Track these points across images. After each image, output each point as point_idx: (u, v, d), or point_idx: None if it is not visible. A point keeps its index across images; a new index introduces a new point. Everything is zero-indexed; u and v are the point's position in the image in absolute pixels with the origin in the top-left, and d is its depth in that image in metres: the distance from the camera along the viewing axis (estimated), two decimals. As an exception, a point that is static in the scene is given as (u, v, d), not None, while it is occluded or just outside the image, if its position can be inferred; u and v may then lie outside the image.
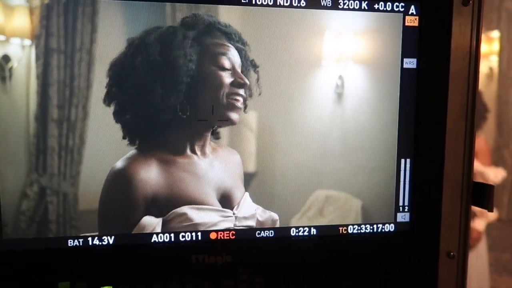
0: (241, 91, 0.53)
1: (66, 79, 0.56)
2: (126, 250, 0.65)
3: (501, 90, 4.08)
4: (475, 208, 2.30)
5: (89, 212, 0.60)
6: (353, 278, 0.71)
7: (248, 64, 0.54)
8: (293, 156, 0.63)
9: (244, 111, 0.55)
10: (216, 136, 0.57)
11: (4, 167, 0.57)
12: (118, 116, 0.55)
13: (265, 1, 0.66)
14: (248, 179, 0.63)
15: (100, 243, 0.65)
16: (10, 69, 0.56)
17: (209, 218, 0.55)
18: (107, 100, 0.54)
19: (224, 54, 0.51)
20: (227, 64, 0.52)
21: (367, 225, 0.72)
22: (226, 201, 0.57)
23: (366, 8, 0.68)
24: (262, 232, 0.69)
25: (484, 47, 4.04)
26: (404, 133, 0.71)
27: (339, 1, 0.67)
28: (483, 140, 2.12)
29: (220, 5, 0.58)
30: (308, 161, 0.63)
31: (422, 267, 0.72)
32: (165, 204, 0.53)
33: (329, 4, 0.67)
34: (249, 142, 0.62)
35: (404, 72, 0.70)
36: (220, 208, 0.55)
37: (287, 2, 0.66)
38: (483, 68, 4.14)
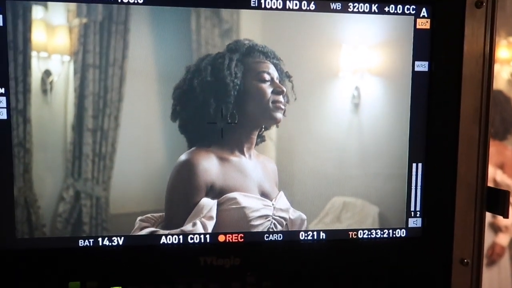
0: (281, 98, 0.64)
1: (100, 91, 0.63)
2: (135, 251, 0.66)
3: (525, 97, 3.97)
4: (500, 223, 2.21)
5: (119, 216, 0.65)
6: (362, 284, 0.70)
7: (284, 75, 0.64)
8: (311, 164, 0.67)
9: (283, 114, 0.64)
10: (262, 139, 0.66)
11: (43, 173, 0.63)
12: (182, 129, 0.63)
13: (274, 5, 0.66)
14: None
15: (110, 244, 0.65)
16: (51, 82, 0.62)
17: (253, 204, 0.64)
18: (173, 117, 0.63)
19: (263, 69, 0.63)
20: (267, 77, 0.63)
21: (377, 230, 0.71)
22: (265, 196, 0.66)
23: (376, 11, 0.68)
24: (271, 235, 0.69)
25: (505, 53, 3.94)
26: (415, 137, 0.70)
27: (349, 4, 0.67)
28: (511, 152, 2.07)
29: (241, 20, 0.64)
30: (326, 168, 0.67)
31: (434, 275, 0.71)
32: (220, 189, 0.63)
33: (338, 7, 0.67)
34: (269, 149, 0.68)
35: (416, 75, 0.69)
36: (263, 198, 0.65)
37: (296, 5, 0.66)
38: (504, 74, 4.05)
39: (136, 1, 0.63)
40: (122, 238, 0.65)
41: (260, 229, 0.66)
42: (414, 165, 0.70)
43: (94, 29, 0.62)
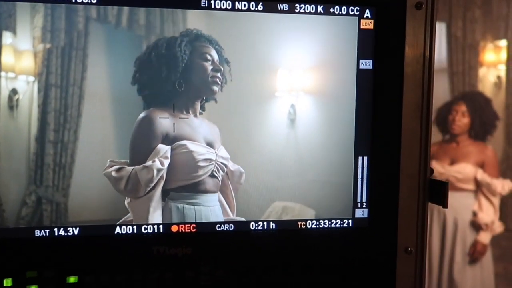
0: (218, 74, 0.75)
1: (61, 108, 0.70)
2: (90, 241, 0.69)
3: (510, 100, 4.02)
4: (483, 221, 2.23)
5: (76, 223, 0.71)
6: (312, 272, 0.73)
7: (223, 59, 0.75)
8: (253, 174, 0.76)
9: (221, 90, 0.76)
10: (203, 109, 0.77)
11: (8, 180, 0.69)
12: (140, 91, 0.73)
13: (223, 5, 0.70)
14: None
15: (66, 234, 0.68)
16: (17, 100, 0.69)
17: (199, 149, 0.76)
18: (133, 82, 0.72)
19: (206, 51, 0.75)
20: (209, 57, 0.75)
21: (325, 220, 0.74)
22: (209, 146, 0.77)
23: (322, 12, 0.71)
24: (223, 225, 0.72)
25: (491, 56, 4.00)
26: (361, 132, 0.73)
27: (296, 5, 0.70)
28: (491, 152, 2.11)
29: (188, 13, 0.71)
30: (267, 178, 0.76)
31: (381, 263, 0.74)
32: (173, 138, 0.75)
33: (285, 8, 0.70)
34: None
35: (360, 73, 0.73)
36: (207, 147, 0.77)
37: (245, 6, 0.70)
38: (491, 77, 4.10)
39: (89, 1, 0.67)
40: (78, 228, 0.68)
41: (206, 170, 0.76)
42: (360, 158, 0.74)
43: (57, 54, 0.70)
